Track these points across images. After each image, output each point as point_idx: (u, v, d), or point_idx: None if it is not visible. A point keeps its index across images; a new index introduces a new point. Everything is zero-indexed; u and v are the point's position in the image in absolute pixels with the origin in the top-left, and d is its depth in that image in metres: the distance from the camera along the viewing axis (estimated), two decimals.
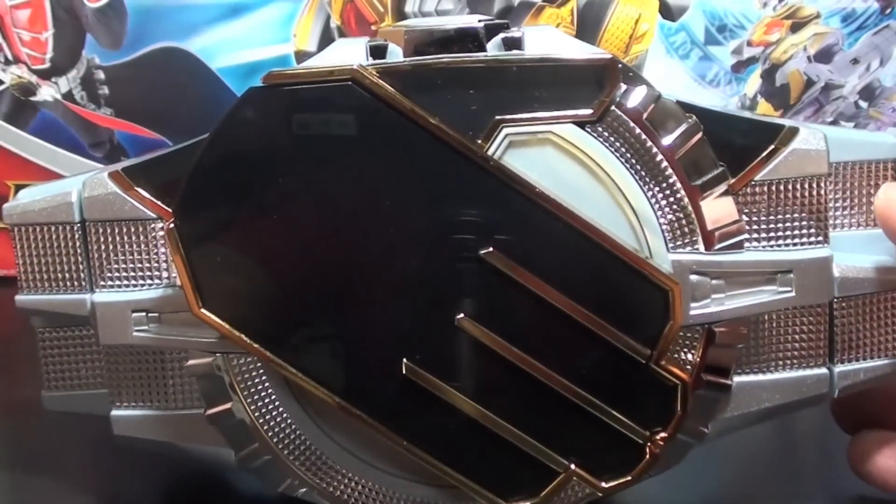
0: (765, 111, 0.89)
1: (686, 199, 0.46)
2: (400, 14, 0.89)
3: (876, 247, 0.51)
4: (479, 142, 0.45)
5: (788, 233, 0.49)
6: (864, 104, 0.90)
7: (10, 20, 0.90)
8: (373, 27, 0.90)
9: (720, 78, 0.89)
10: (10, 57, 0.91)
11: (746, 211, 0.49)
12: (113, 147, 0.93)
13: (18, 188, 0.53)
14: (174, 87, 0.91)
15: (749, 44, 0.88)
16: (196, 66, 0.90)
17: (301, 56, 0.90)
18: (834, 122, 0.90)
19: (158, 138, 0.92)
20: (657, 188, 0.46)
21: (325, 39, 0.90)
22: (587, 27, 0.88)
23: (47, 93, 0.92)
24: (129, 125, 0.92)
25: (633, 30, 0.88)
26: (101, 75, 0.91)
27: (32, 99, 0.93)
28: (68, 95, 0.92)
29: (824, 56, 0.88)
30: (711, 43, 0.88)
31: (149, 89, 0.91)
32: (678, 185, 0.46)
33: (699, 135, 0.47)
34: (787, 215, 0.49)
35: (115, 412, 0.52)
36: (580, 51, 0.47)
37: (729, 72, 0.89)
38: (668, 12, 0.88)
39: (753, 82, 0.89)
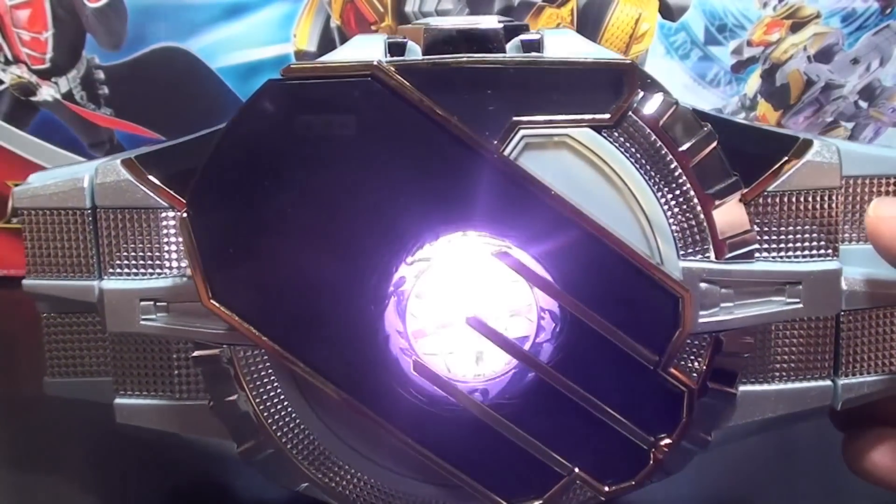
0: (765, 111, 0.90)
1: (699, 207, 0.47)
2: (400, 14, 0.89)
3: (884, 261, 0.51)
4: (496, 142, 0.45)
5: (799, 244, 0.49)
6: (864, 104, 0.90)
7: (10, 20, 0.90)
8: (372, 27, 0.90)
9: (720, 78, 0.89)
10: (10, 57, 0.91)
11: (758, 221, 0.49)
12: (113, 147, 0.93)
13: None
14: (174, 87, 0.91)
15: (749, 44, 0.88)
16: (196, 66, 0.90)
17: (301, 56, 0.90)
18: (834, 122, 0.90)
19: (158, 138, 0.92)
20: (670, 195, 0.46)
21: (325, 39, 0.90)
22: (587, 27, 0.88)
23: (47, 93, 0.92)
24: (129, 125, 0.92)
25: (633, 30, 0.88)
26: (101, 75, 0.90)
27: (32, 99, 0.93)
28: (68, 95, 0.92)
29: (824, 56, 0.89)
30: (711, 43, 0.88)
31: (149, 89, 0.91)
32: (691, 192, 0.46)
33: (714, 144, 0.47)
34: (798, 227, 0.49)
35: (118, 400, 0.52)
36: (599, 55, 0.47)
37: (729, 72, 0.89)
38: (668, 12, 0.88)
39: (753, 82, 0.90)
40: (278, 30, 0.90)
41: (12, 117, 0.93)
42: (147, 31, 0.89)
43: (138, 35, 0.89)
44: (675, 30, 0.88)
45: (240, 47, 0.90)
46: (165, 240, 0.50)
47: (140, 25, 0.89)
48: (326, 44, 0.89)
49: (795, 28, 0.88)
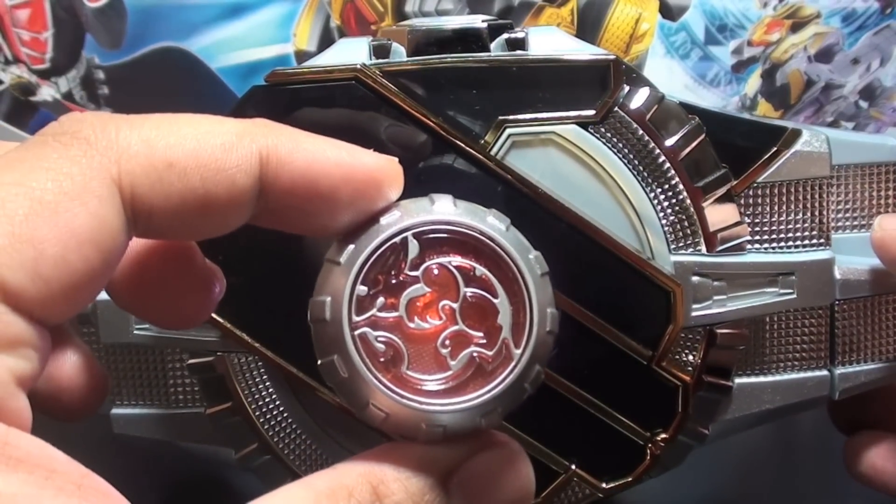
0: (765, 111, 0.89)
1: (688, 201, 0.47)
2: (400, 14, 0.89)
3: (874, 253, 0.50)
4: (483, 142, 0.45)
5: (790, 235, 0.49)
6: (864, 104, 0.90)
7: (10, 20, 0.90)
8: (373, 27, 0.89)
9: (720, 78, 0.89)
10: (9, 57, 0.91)
11: (748, 213, 0.49)
12: None
13: None
14: (174, 87, 0.91)
15: (749, 43, 0.88)
16: (196, 66, 0.90)
17: (301, 56, 0.90)
18: (834, 122, 0.90)
19: None
20: (659, 189, 0.46)
21: (325, 39, 0.90)
22: (587, 27, 0.88)
23: (47, 93, 0.92)
24: None
25: (634, 30, 0.88)
26: (100, 75, 0.90)
27: (32, 99, 0.92)
28: (68, 95, 0.91)
29: (825, 56, 0.88)
30: (712, 43, 0.88)
31: (149, 89, 0.91)
32: (680, 186, 0.46)
33: (702, 136, 0.47)
34: (790, 217, 0.49)
35: (115, 410, 0.52)
36: (583, 51, 0.47)
37: (729, 72, 0.89)
38: (668, 12, 0.88)
39: (754, 82, 0.89)
40: (278, 30, 0.89)
41: (12, 117, 0.93)
42: (147, 31, 0.89)
43: (138, 35, 0.89)
44: (675, 30, 0.88)
45: (240, 47, 0.89)
46: None
47: (140, 25, 0.88)
48: (326, 44, 0.89)
49: (796, 28, 0.88)
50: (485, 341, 0.36)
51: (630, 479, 0.48)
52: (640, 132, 0.46)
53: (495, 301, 0.36)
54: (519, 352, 0.36)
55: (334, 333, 0.35)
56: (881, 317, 0.51)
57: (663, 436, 0.48)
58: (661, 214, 0.47)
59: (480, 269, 0.36)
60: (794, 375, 0.51)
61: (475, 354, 0.36)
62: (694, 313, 0.47)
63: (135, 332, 0.49)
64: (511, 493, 0.36)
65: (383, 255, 0.35)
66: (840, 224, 0.51)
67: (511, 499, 0.36)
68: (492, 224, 0.36)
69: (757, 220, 0.49)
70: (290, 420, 0.48)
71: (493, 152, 0.46)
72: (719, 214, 0.47)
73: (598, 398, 0.47)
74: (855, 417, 0.55)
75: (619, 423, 0.47)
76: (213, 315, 0.46)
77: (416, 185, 0.42)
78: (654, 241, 0.47)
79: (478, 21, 0.48)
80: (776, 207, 0.49)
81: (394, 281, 0.36)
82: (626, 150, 0.46)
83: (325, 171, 0.35)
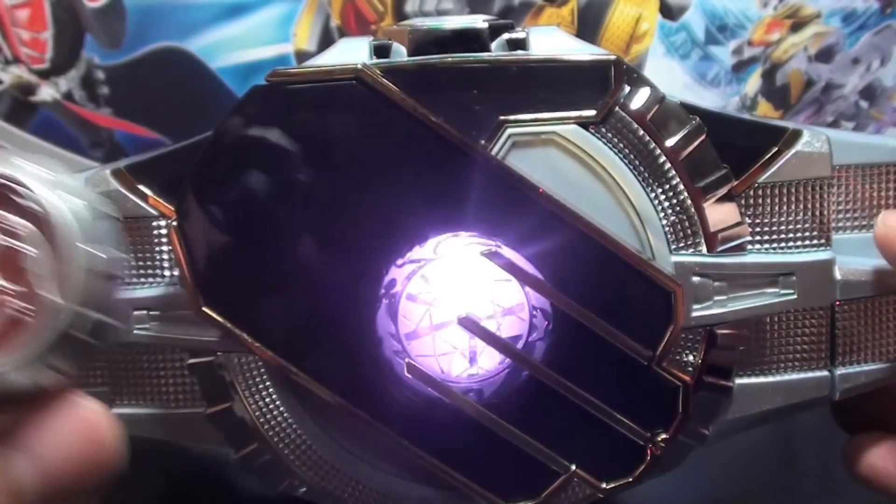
0: (765, 111, 0.89)
1: (689, 201, 0.46)
2: (400, 13, 0.89)
3: (878, 250, 0.50)
4: (483, 142, 0.45)
5: (791, 235, 0.49)
6: (864, 104, 0.90)
7: (10, 20, 0.90)
8: (372, 27, 0.89)
9: (720, 78, 0.89)
10: (9, 57, 0.91)
11: (749, 213, 0.49)
12: (112, 147, 0.93)
13: None
14: (174, 87, 0.90)
15: (749, 43, 0.88)
16: (196, 66, 0.90)
17: (301, 56, 0.90)
18: (834, 122, 0.90)
19: (158, 138, 0.91)
20: (660, 189, 0.46)
21: (325, 39, 0.90)
22: (587, 27, 0.88)
23: (47, 93, 0.92)
24: (128, 125, 0.92)
25: (634, 29, 0.88)
26: (100, 75, 0.90)
27: (32, 99, 0.92)
28: (68, 95, 0.91)
29: (825, 56, 0.88)
30: (712, 42, 0.88)
31: (148, 89, 0.91)
32: (681, 186, 0.46)
33: (703, 137, 0.47)
34: (790, 218, 0.49)
35: (114, 410, 0.51)
36: (584, 51, 0.47)
37: (729, 71, 0.89)
38: (668, 12, 0.88)
39: (754, 82, 0.89)
40: (278, 30, 0.89)
41: (12, 117, 0.92)
42: (147, 31, 0.89)
43: (138, 35, 0.89)
44: (675, 30, 0.88)
45: (240, 47, 0.89)
46: (157, 248, 0.50)
47: (140, 25, 0.88)
48: (326, 44, 0.89)
49: (796, 28, 0.88)
50: (26, 293, 0.35)
51: (630, 479, 0.48)
52: (641, 132, 0.46)
53: (31, 252, 0.35)
54: (61, 301, 0.35)
55: None
56: (881, 317, 0.51)
57: (663, 436, 0.48)
58: (662, 214, 0.47)
59: (13, 219, 0.35)
60: (795, 376, 0.51)
61: (13, 308, 0.35)
62: (694, 314, 0.47)
63: (135, 331, 0.49)
64: (79, 454, 0.36)
65: None
66: (841, 224, 0.51)
67: (79, 458, 0.36)
68: (22, 168, 0.35)
69: (757, 221, 0.49)
70: (290, 420, 0.48)
71: (493, 152, 0.45)
72: (720, 214, 0.47)
73: (598, 398, 0.47)
74: (858, 415, 0.55)
75: (619, 423, 0.47)
76: (214, 314, 0.46)
77: (419, 185, 0.43)
78: (654, 242, 0.47)
79: (479, 21, 0.48)
80: (777, 208, 0.49)
81: None
82: (626, 151, 0.46)
83: None
